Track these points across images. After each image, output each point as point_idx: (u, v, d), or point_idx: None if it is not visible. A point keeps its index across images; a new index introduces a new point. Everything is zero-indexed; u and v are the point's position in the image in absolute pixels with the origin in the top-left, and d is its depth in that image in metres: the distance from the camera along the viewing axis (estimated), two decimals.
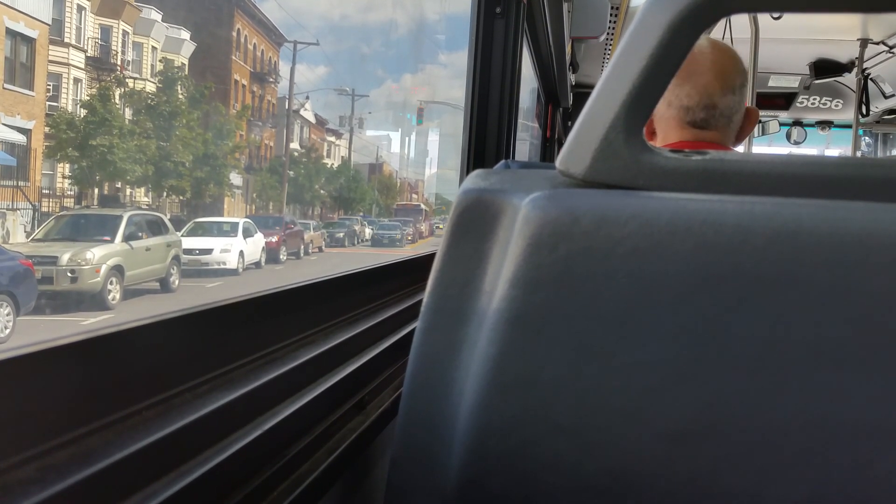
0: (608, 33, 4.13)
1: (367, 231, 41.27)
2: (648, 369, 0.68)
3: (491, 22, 2.18)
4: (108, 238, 16.44)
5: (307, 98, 49.76)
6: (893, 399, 0.63)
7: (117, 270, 16.07)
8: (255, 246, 24.58)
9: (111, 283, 15.87)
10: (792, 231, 0.66)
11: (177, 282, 18.71)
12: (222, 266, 22.13)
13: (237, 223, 24.67)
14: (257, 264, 24.73)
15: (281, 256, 27.35)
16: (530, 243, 0.71)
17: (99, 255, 15.62)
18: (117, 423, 0.64)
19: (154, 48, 33.35)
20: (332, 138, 53.92)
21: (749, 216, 0.68)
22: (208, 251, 22.09)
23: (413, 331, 0.79)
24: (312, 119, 50.04)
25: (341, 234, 37.66)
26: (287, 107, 41.23)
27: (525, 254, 0.71)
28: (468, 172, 2.16)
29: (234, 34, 38.14)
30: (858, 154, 5.70)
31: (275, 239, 26.95)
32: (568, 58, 4.51)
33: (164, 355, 0.73)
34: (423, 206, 53.41)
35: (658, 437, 0.68)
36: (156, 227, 18.49)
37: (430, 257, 1.67)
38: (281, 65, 45.17)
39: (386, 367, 1.20)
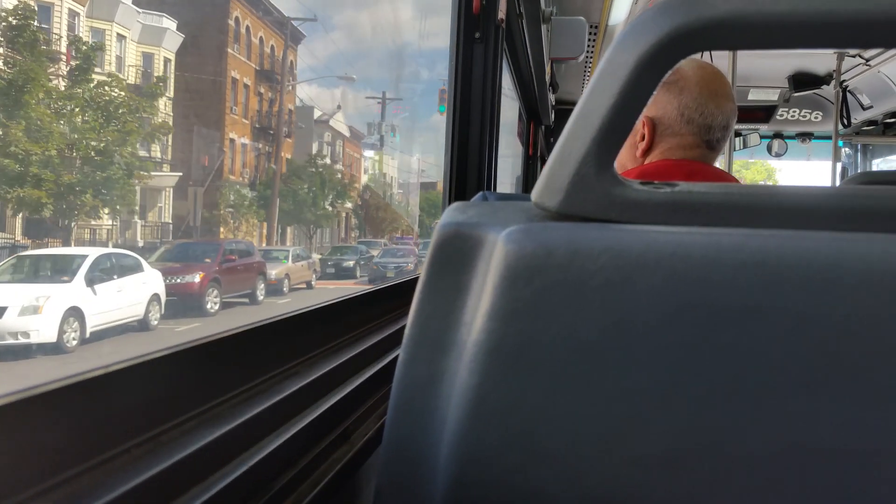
0: (587, 53, 4.16)
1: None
2: (625, 398, 0.69)
3: (470, 47, 2.20)
4: None
5: (339, 108, 43.62)
6: (864, 424, 0.65)
7: None
8: (128, 294, 14.85)
9: None
10: (759, 261, 0.68)
11: None
12: (21, 341, 12.24)
13: (82, 258, 14.81)
14: (143, 323, 15.23)
15: (208, 304, 18.02)
16: (506, 276, 0.73)
17: None
18: (106, 463, 0.66)
19: (121, 35, 27.11)
20: (371, 153, 47.77)
21: (716, 248, 0.69)
22: None
23: (396, 358, 0.81)
24: (346, 132, 44.16)
25: (350, 263, 29.53)
26: (279, 103, 35.51)
27: (501, 287, 0.73)
28: (450, 197, 2.20)
29: (232, 23, 32.78)
30: (839, 165, 5.75)
31: (196, 279, 18.01)
32: (548, 78, 4.54)
33: (150, 393, 0.74)
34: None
35: (636, 464, 0.69)
36: None
37: (410, 283, 1.68)
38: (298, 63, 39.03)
39: (370, 395, 1.21)
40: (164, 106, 27.59)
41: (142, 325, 15.25)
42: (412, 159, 50.57)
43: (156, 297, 15.82)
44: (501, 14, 2.26)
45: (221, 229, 30.17)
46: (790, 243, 0.69)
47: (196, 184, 29.83)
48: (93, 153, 22.12)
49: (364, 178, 46.60)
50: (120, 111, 23.15)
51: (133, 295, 15.05)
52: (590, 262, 0.70)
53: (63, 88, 22.19)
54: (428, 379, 0.77)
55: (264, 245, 29.83)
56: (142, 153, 26.15)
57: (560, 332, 0.71)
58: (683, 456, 0.68)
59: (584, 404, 0.70)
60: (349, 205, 41.57)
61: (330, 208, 38.00)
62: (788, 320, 0.66)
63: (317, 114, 41.40)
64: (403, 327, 0.81)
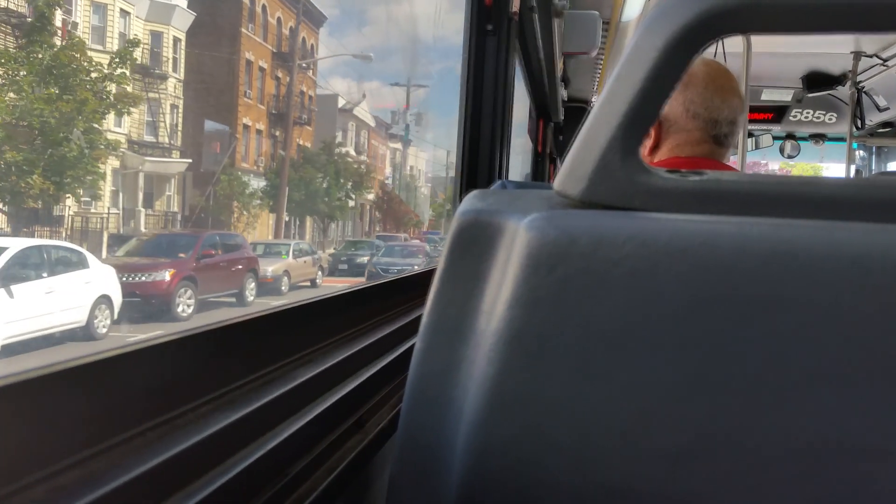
0: (599, 48, 4.15)
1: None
2: (646, 389, 0.68)
3: (483, 39, 2.20)
4: None
5: (364, 97, 41.67)
6: (890, 420, 0.64)
7: None
8: (64, 296, 11.83)
9: None
10: (788, 252, 0.67)
11: None
12: None
13: None
14: (87, 330, 12.32)
15: (179, 306, 15.33)
16: (528, 264, 0.72)
17: None
18: (122, 445, 0.65)
19: (125, 12, 24.64)
20: (397, 145, 45.81)
21: (745, 237, 0.68)
22: None
23: (411, 348, 0.80)
24: (371, 121, 42.12)
25: (363, 259, 26.94)
26: (297, 88, 33.16)
27: (523, 274, 0.72)
28: (462, 190, 2.20)
29: (248, 2, 30.32)
30: (853, 168, 5.72)
31: (164, 276, 15.28)
32: (559, 73, 4.53)
33: (166, 376, 0.74)
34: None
35: (656, 457, 0.68)
36: None
37: (427, 274, 1.68)
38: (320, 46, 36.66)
39: (385, 384, 1.21)
40: (170, 86, 26.43)
41: (85, 334, 12.37)
42: (441, 153, 48.34)
43: (104, 299, 12.91)
44: (514, 7, 2.26)
45: (224, 220, 28.05)
46: (820, 234, 0.68)
47: (198, 171, 27.90)
48: (51, 127, 18.70)
49: (388, 170, 44.65)
50: (79, 79, 19.70)
51: (71, 297, 12.14)
52: (614, 250, 0.69)
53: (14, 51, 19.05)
54: (445, 367, 0.77)
55: (271, 238, 27.94)
56: (148, 138, 25.23)
57: (582, 321, 0.70)
58: (702, 449, 0.67)
59: (603, 395, 0.69)
60: (371, 197, 39.39)
61: (348, 200, 35.13)
62: (817, 312, 0.65)
63: (340, 102, 39.75)
64: (419, 317, 0.80)
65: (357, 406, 1.08)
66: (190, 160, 27.63)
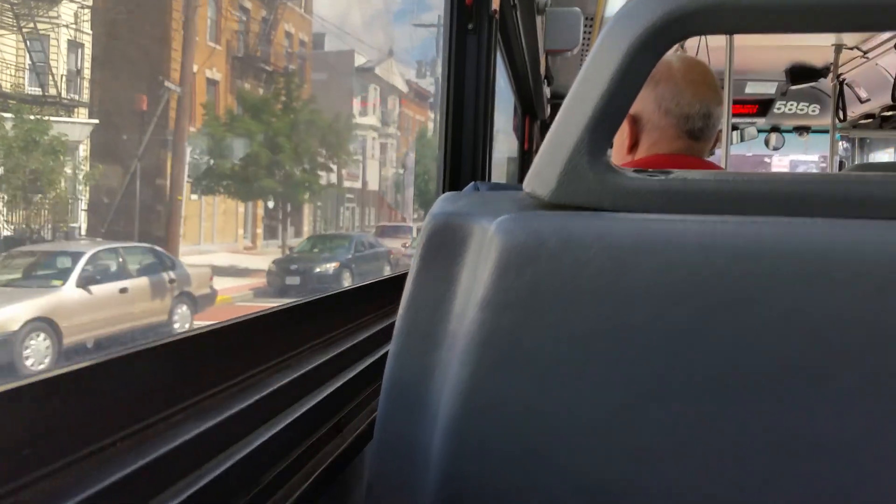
0: (583, 45, 4.15)
1: None
2: (618, 389, 0.69)
3: (463, 38, 2.19)
4: None
5: (390, 53, 32.22)
6: (858, 413, 0.65)
7: None
8: None
9: None
10: (753, 249, 0.67)
11: None
12: None
13: None
14: None
15: None
16: (498, 266, 0.72)
17: None
18: (92, 456, 0.65)
19: None
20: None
21: (711, 235, 0.69)
22: None
23: (388, 351, 0.80)
24: (403, 86, 33.00)
25: (329, 268, 17.69)
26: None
27: (493, 277, 0.72)
28: (443, 190, 2.19)
29: None
30: (836, 158, 5.75)
31: None
32: (543, 70, 4.53)
33: (137, 385, 0.74)
34: None
35: (630, 455, 0.69)
36: None
37: (402, 277, 1.68)
38: None
39: (362, 389, 1.21)
40: (66, 13, 17.40)
41: None
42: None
43: None
44: (495, 5, 2.25)
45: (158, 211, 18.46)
46: (785, 230, 0.68)
47: (115, 138, 18.65)
48: None
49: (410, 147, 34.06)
50: None
51: None
52: (582, 251, 0.70)
53: None
54: (419, 371, 0.77)
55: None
56: (32, 90, 16.88)
57: (552, 322, 0.70)
58: (677, 447, 0.68)
59: (577, 395, 0.69)
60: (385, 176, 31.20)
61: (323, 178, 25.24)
62: (783, 309, 0.66)
63: (359, 60, 30.86)
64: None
65: (335, 411, 1.08)
66: (96, 121, 18.72)
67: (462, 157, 2.21)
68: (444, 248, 0.77)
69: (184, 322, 12.94)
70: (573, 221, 0.72)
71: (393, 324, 0.80)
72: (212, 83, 22.67)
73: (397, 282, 1.66)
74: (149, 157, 19.03)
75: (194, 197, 21.18)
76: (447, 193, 0.82)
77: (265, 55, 24.37)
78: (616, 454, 0.69)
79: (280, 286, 17.12)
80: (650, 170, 0.76)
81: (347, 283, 15.81)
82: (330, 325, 1.23)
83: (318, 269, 17.79)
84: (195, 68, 20.97)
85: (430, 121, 35.46)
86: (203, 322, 10.18)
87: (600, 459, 0.69)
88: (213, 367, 0.86)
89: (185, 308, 13.16)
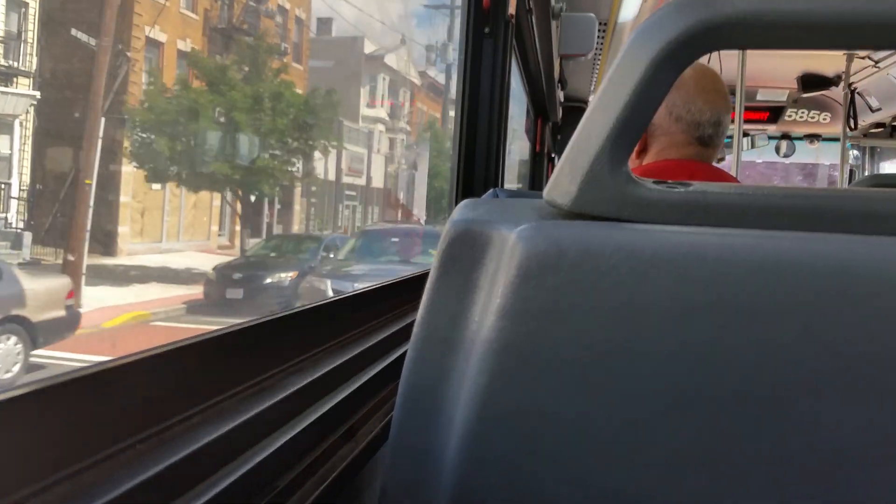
0: (596, 50, 4.15)
1: None
2: (636, 399, 0.69)
3: (479, 42, 2.19)
4: None
5: (402, 41, 30.21)
6: (876, 428, 0.65)
7: None
8: None
9: None
10: (772, 263, 0.67)
11: None
12: None
13: None
14: None
15: None
16: (517, 275, 0.72)
17: None
18: (112, 458, 0.65)
19: None
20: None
21: (730, 248, 0.69)
22: None
23: (402, 355, 0.80)
24: (417, 78, 31.12)
25: (285, 278, 14.14)
26: None
27: (513, 285, 0.72)
28: (457, 193, 2.20)
29: None
30: (847, 167, 5.74)
31: None
32: (557, 74, 4.53)
33: (154, 389, 0.74)
34: None
35: (648, 466, 0.69)
36: None
37: (419, 277, 1.67)
38: None
39: (376, 392, 1.20)
40: None
41: None
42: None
43: None
44: (511, 10, 2.26)
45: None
46: (803, 245, 0.68)
47: (64, 112, 16.19)
48: None
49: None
50: None
51: None
52: (602, 261, 0.70)
53: None
54: (436, 378, 0.77)
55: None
56: None
57: (571, 332, 0.70)
58: (693, 458, 0.68)
59: (593, 406, 0.69)
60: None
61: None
62: (801, 323, 0.66)
63: (368, 47, 29.11)
64: (411, 323, 0.80)
65: (348, 415, 1.08)
66: (37, 93, 16.24)
67: (476, 161, 2.21)
68: (464, 255, 0.78)
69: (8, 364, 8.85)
70: (593, 231, 0.73)
71: (408, 326, 0.80)
72: (182, 54, 19.97)
73: (413, 283, 1.66)
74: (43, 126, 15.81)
75: (156, 187, 18.94)
76: (467, 200, 0.82)
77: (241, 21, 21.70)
78: (633, 466, 0.69)
79: (218, 299, 13.43)
80: (670, 181, 0.76)
81: (305, 300, 12.11)
82: (345, 327, 1.23)
83: (269, 280, 14.10)
84: (162, 38, 19.04)
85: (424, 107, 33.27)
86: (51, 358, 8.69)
87: (616, 472, 0.69)
88: (228, 370, 0.86)
89: (11, 342, 9.04)
